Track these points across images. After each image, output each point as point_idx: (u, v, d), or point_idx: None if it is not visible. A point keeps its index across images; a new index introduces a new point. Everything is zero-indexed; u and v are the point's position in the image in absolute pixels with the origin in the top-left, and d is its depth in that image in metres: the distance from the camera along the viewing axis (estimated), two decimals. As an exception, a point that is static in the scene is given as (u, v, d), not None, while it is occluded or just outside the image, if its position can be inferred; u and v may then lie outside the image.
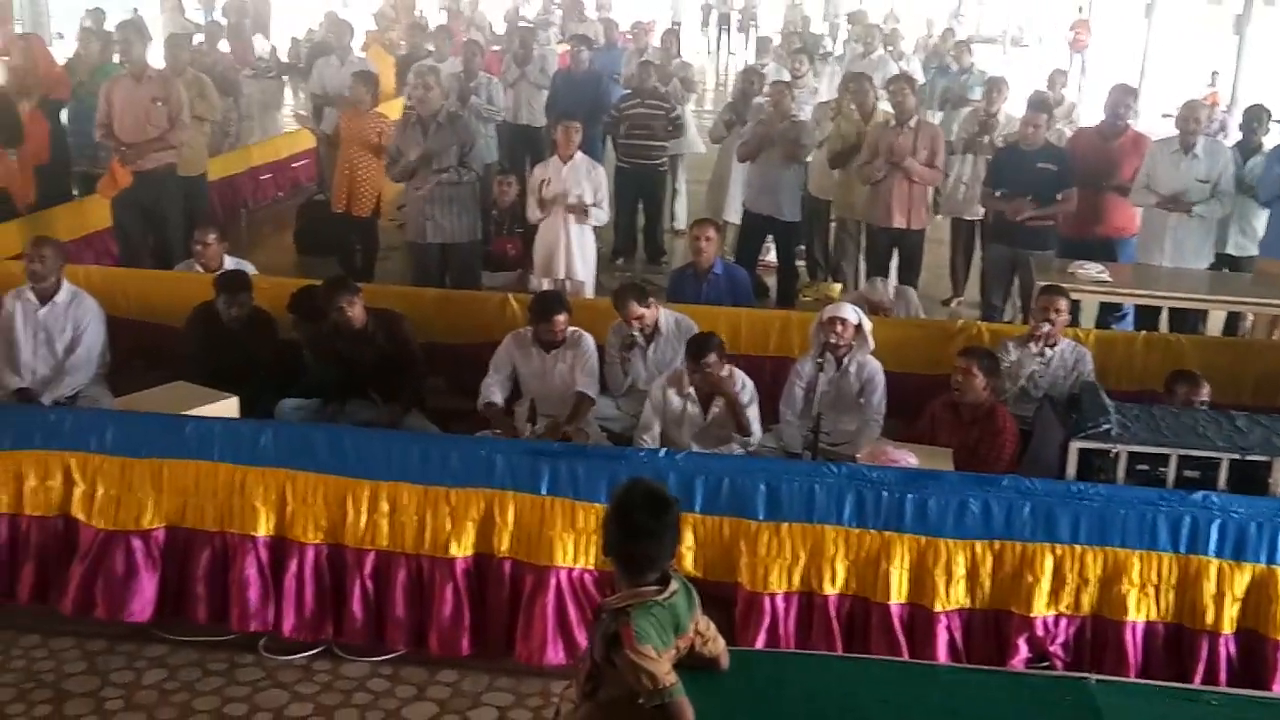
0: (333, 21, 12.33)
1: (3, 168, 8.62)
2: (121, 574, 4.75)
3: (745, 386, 5.84)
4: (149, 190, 8.21)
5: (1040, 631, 4.53)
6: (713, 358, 5.66)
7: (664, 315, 6.46)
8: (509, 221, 8.98)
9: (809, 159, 8.98)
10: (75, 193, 9.71)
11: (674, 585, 3.09)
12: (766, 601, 4.59)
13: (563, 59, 13.50)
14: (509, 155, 11.00)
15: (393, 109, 12.28)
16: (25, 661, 4.58)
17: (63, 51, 12.59)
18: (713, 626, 3.29)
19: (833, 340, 6.03)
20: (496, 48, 14.21)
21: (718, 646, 3.29)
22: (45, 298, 6.42)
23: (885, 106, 9.08)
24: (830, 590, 4.58)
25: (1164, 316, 7.90)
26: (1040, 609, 4.51)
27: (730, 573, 4.64)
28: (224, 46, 14.48)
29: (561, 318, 6.17)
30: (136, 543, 4.77)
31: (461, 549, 4.70)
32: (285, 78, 21.95)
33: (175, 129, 8.12)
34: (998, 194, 7.95)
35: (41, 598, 4.85)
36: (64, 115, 9.87)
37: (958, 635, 4.56)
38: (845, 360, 6.12)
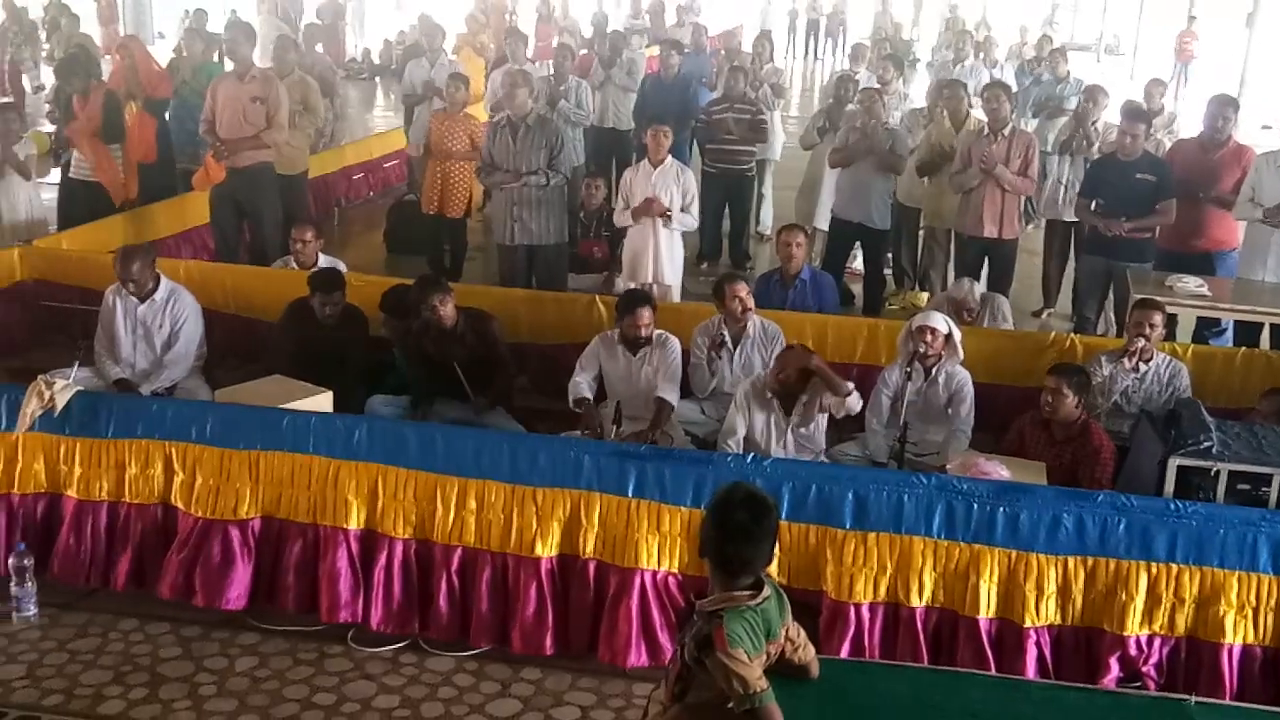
0: (425, 24, 12.51)
1: (108, 164, 8.88)
2: (218, 562, 4.85)
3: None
4: (244, 186, 8.40)
5: (1133, 651, 4.44)
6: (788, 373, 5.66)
7: (752, 318, 6.45)
8: (595, 224, 9.02)
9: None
10: (176, 188, 9.96)
11: (767, 590, 3.09)
12: (851, 611, 4.56)
13: (651, 63, 13.55)
14: (595, 158, 11.06)
15: (480, 112, 12.45)
16: (123, 645, 4.69)
17: (164, 51, 12.97)
18: (803, 634, 3.27)
19: (921, 349, 5.98)
20: (584, 51, 14.28)
21: (808, 654, 3.28)
22: (144, 296, 6.58)
23: (977, 114, 8.97)
24: (917, 602, 4.53)
25: (1265, 334, 7.68)
26: (1133, 628, 4.42)
27: (815, 581, 4.62)
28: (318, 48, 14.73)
29: (646, 312, 6.20)
30: (233, 532, 4.87)
31: (547, 549, 4.73)
32: (377, 79, 22.44)
33: (272, 128, 8.28)
34: (1094, 207, 7.80)
35: (139, 583, 4.97)
36: (167, 114, 10.14)
37: (1047, 652, 4.48)
38: (934, 370, 6.06)
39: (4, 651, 4.61)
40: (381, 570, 4.83)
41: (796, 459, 5.52)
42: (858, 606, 4.56)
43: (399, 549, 4.83)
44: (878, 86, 9.95)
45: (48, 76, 16.17)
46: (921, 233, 9.44)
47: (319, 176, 10.99)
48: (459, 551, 4.80)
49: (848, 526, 4.55)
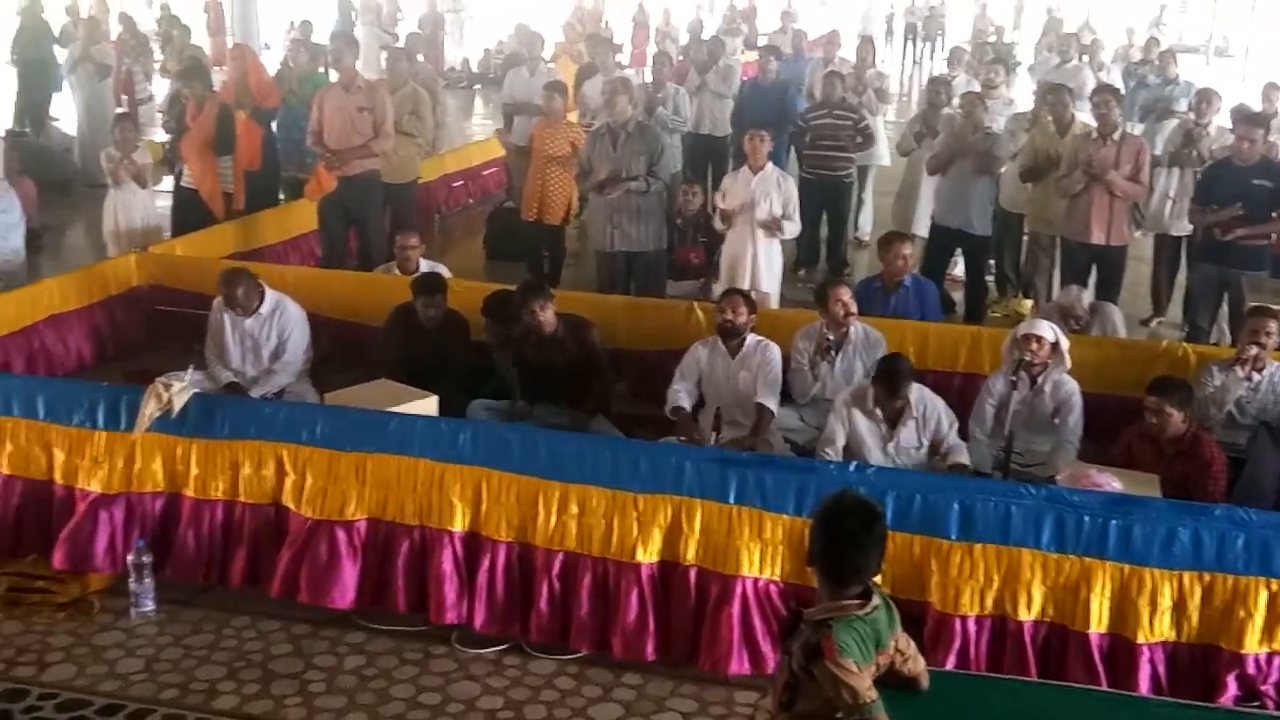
0: (524, 33, 12.65)
1: (212, 177, 9.10)
2: (326, 562, 4.94)
3: (934, 406, 5.73)
4: (353, 195, 8.57)
5: (1251, 670, 4.30)
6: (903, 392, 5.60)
7: (855, 324, 6.40)
8: (693, 230, 9.04)
9: (1001, 171, 8.76)
10: (282, 197, 10.22)
11: (876, 600, 3.06)
12: (957, 623, 4.49)
13: (747, 69, 13.54)
14: (691, 165, 11.08)
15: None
16: (236, 642, 4.81)
17: (269, 61, 13.29)
18: (913, 645, 3.24)
19: (1027, 358, 5.87)
20: (680, 58, 14.31)
21: (918, 666, 3.24)
22: (250, 313, 6.73)
23: (1083, 118, 8.79)
24: (1025, 616, 4.45)
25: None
26: (1252, 646, 4.29)
27: (920, 592, 4.55)
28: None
29: (739, 299, 6.20)
30: (340, 533, 4.96)
31: (648, 555, 4.74)
32: (476, 87, 22.75)
33: (380, 137, 8.44)
34: (1210, 209, 7.59)
35: (251, 581, 5.09)
36: (274, 123, 10.40)
37: (1161, 669, 4.36)
38: (1040, 379, 5.95)
39: (123, 646, 4.75)
40: (485, 573, 4.88)
41: (898, 468, 5.46)
42: (964, 619, 4.49)
43: (502, 552, 4.88)
44: (978, 90, 9.81)
45: (159, 87, 16.72)
46: (1025, 239, 9.27)
47: (421, 184, 11.13)
48: (560, 556, 4.83)
49: (953, 537, 4.48)
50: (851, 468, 4.76)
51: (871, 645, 3.00)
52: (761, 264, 7.89)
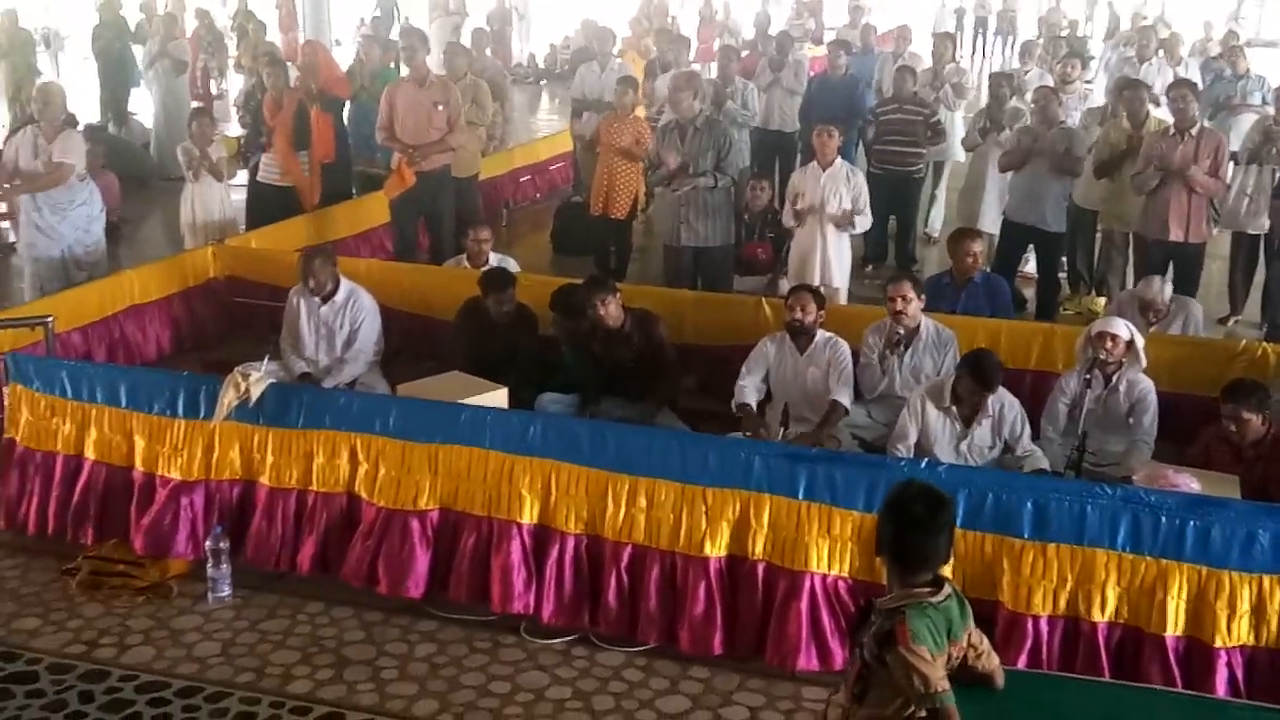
0: (593, 29, 12.68)
1: (295, 168, 9.29)
2: (398, 551, 5.02)
3: (1012, 407, 5.67)
4: (427, 189, 8.66)
5: (1333, 676, 4.21)
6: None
7: (925, 321, 6.35)
8: (760, 226, 9.02)
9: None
10: (354, 191, 10.35)
11: (947, 590, 3.05)
12: (1029, 623, 4.45)
13: (815, 63, 13.45)
14: (759, 160, 11.04)
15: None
16: (310, 627, 4.90)
17: (339, 58, 13.45)
18: (986, 641, 3.21)
19: (1102, 356, 5.79)
20: (746, 53, 14.27)
21: (991, 662, 3.21)
22: (325, 298, 6.84)
23: (1159, 113, 8.63)
24: (1099, 617, 4.39)
25: None
26: (1334, 651, 4.20)
27: (991, 591, 4.52)
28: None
29: (807, 296, 6.18)
30: (413, 522, 5.03)
31: (716, 549, 4.75)
32: (542, 83, 22.86)
33: (454, 132, 8.52)
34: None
35: (324, 568, 5.17)
36: (345, 117, 10.53)
37: (1239, 673, 4.29)
38: (1115, 377, 5.86)
39: (200, 630, 4.86)
40: (553, 564, 4.92)
41: (972, 466, 5.41)
42: (1035, 619, 4.45)
43: (570, 544, 4.92)
44: (1051, 85, 9.67)
45: (233, 82, 17.03)
46: (1099, 236, 9.12)
47: (488, 179, 11.26)
48: (629, 549, 4.85)
49: (1026, 536, 4.44)
50: (923, 464, 4.72)
51: (944, 634, 3.00)
52: (831, 259, 7.85)
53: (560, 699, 4.49)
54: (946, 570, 4.39)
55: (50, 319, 6.18)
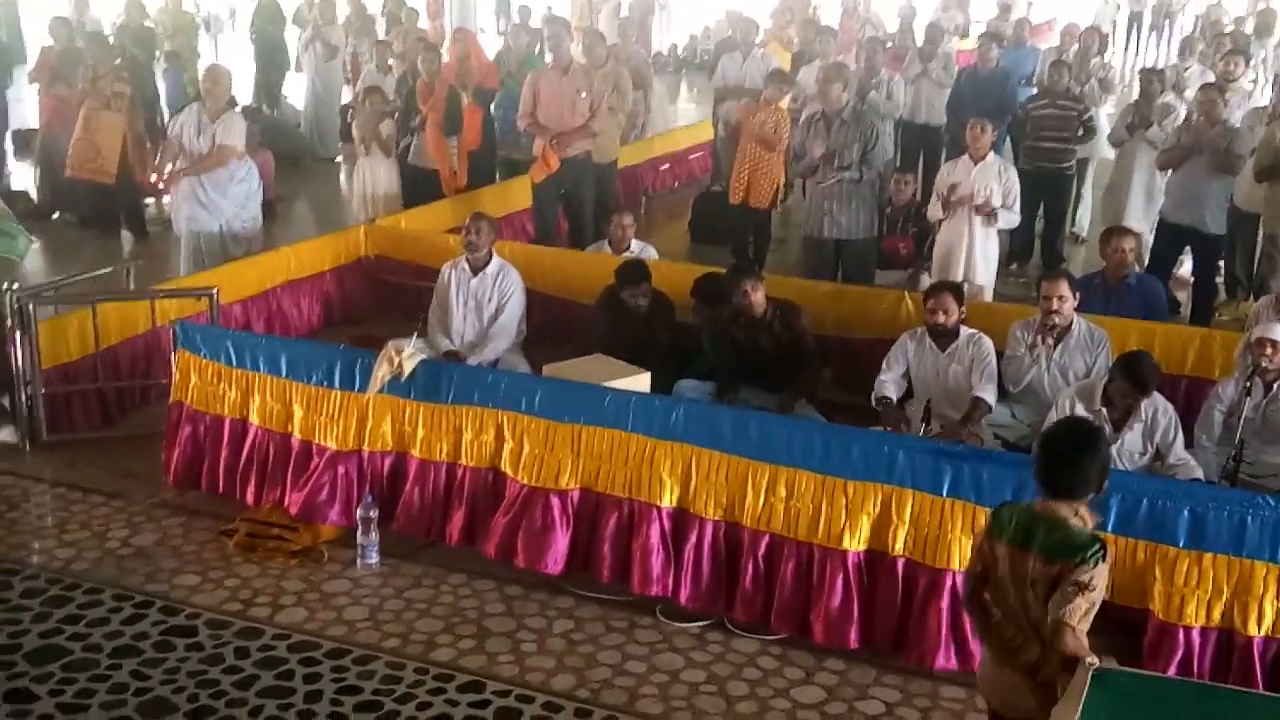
0: (737, 19, 12.67)
1: (445, 155, 9.51)
2: (539, 527, 5.11)
3: (1165, 412, 5.51)
4: (569, 175, 8.79)
5: None
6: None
7: (1077, 320, 6.20)
8: (903, 220, 8.91)
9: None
10: (497, 176, 10.55)
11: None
12: (1180, 634, 4.33)
13: (963, 56, 13.20)
14: (903, 153, 10.89)
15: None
16: (453, 598, 5.03)
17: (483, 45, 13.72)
18: (1079, 596, 3.10)
19: (1262, 363, 5.58)
20: (889, 44, 14.07)
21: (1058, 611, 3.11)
22: (477, 269, 7.00)
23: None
24: (1255, 631, 4.26)
25: None
26: None
27: (1141, 599, 4.42)
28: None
29: (949, 298, 6.10)
30: (554, 500, 5.11)
31: (855, 542, 4.72)
32: (682, 71, 22.90)
33: (596, 118, 8.62)
34: None
35: (469, 540, 5.30)
36: (493, 105, 10.73)
37: (1407, 699, 4.10)
38: (1276, 386, 5.64)
39: (349, 595, 5.03)
40: (691, 549, 4.95)
41: (1127, 470, 5.27)
42: (1187, 630, 4.33)
43: (709, 529, 4.94)
44: (1215, 82, 9.31)
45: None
46: (1260, 240, 8.76)
47: (628, 166, 11.35)
48: (766, 538, 4.86)
49: (1181, 545, 4.32)
50: (1073, 466, 4.60)
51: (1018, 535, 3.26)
52: (977, 255, 7.70)
53: (695, 682, 4.53)
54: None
55: (215, 290, 6.47)
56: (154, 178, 9.41)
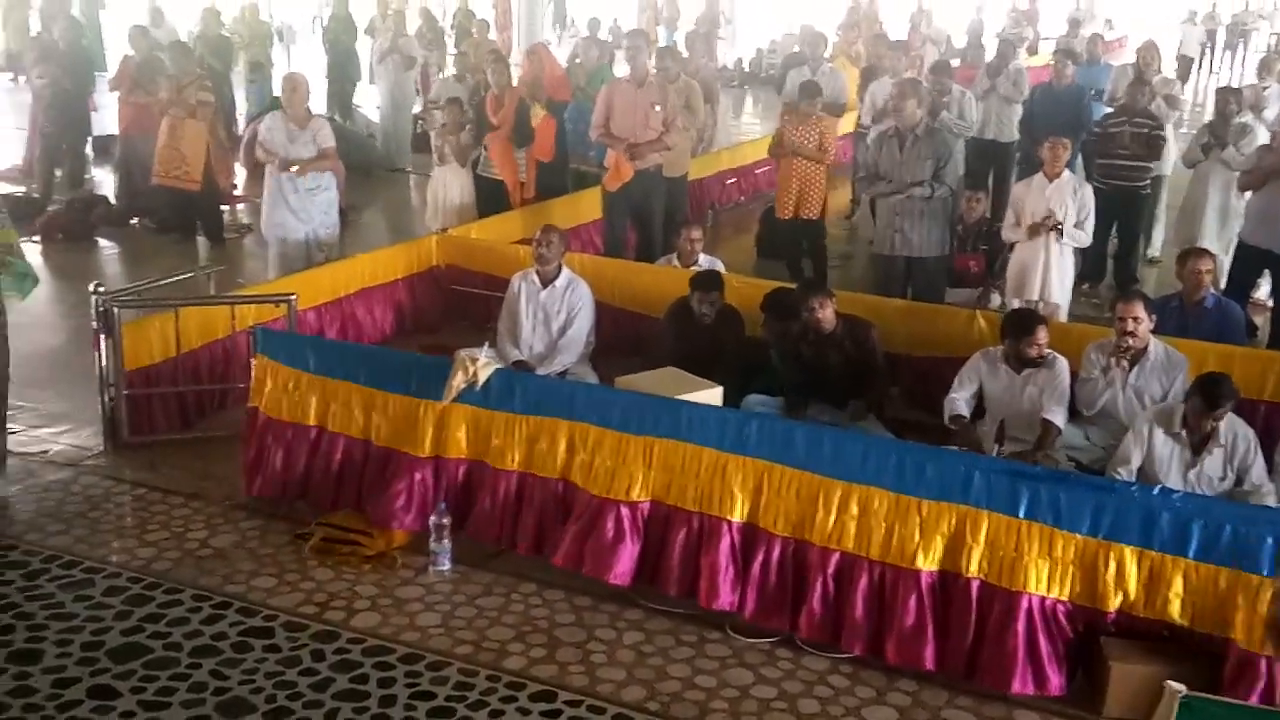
0: (808, 33, 12.66)
1: (511, 166, 9.59)
2: (609, 539, 5.11)
3: (1245, 437, 5.42)
4: (639, 188, 8.84)
5: None
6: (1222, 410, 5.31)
7: (1154, 343, 6.12)
8: (973, 238, 8.85)
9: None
10: (569, 188, 10.62)
11: None
12: (1263, 664, 4.24)
13: (1035, 73, 13.08)
14: (972, 170, 10.81)
15: (850, 121, 12.48)
16: (523, 607, 5.05)
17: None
18: None
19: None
20: (955, 61, 13.98)
21: None
22: (547, 281, 7.06)
23: None
24: (1343, 664, 4.16)
25: None
26: None
27: (1222, 627, 4.33)
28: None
29: (1043, 332, 6.03)
30: (624, 512, 5.11)
31: (928, 562, 4.68)
32: (746, 86, 22.93)
33: (670, 132, 8.66)
34: None
35: (539, 549, 5.33)
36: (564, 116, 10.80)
37: None
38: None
39: (422, 601, 5.07)
40: (759, 565, 4.93)
41: (1207, 496, 5.20)
42: (1269, 660, 4.24)
43: (778, 546, 4.92)
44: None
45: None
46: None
47: (696, 180, 11.38)
48: (837, 555, 4.83)
49: (1266, 573, 4.23)
50: (1157, 491, 4.55)
51: None
52: (1053, 274, 7.64)
53: (765, 698, 4.51)
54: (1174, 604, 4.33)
55: (294, 297, 6.58)
56: (234, 185, 9.61)
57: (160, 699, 4.35)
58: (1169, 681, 3.70)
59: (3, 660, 4.54)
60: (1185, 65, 22.53)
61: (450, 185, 9.66)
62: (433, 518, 5.30)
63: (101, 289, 6.34)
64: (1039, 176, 7.85)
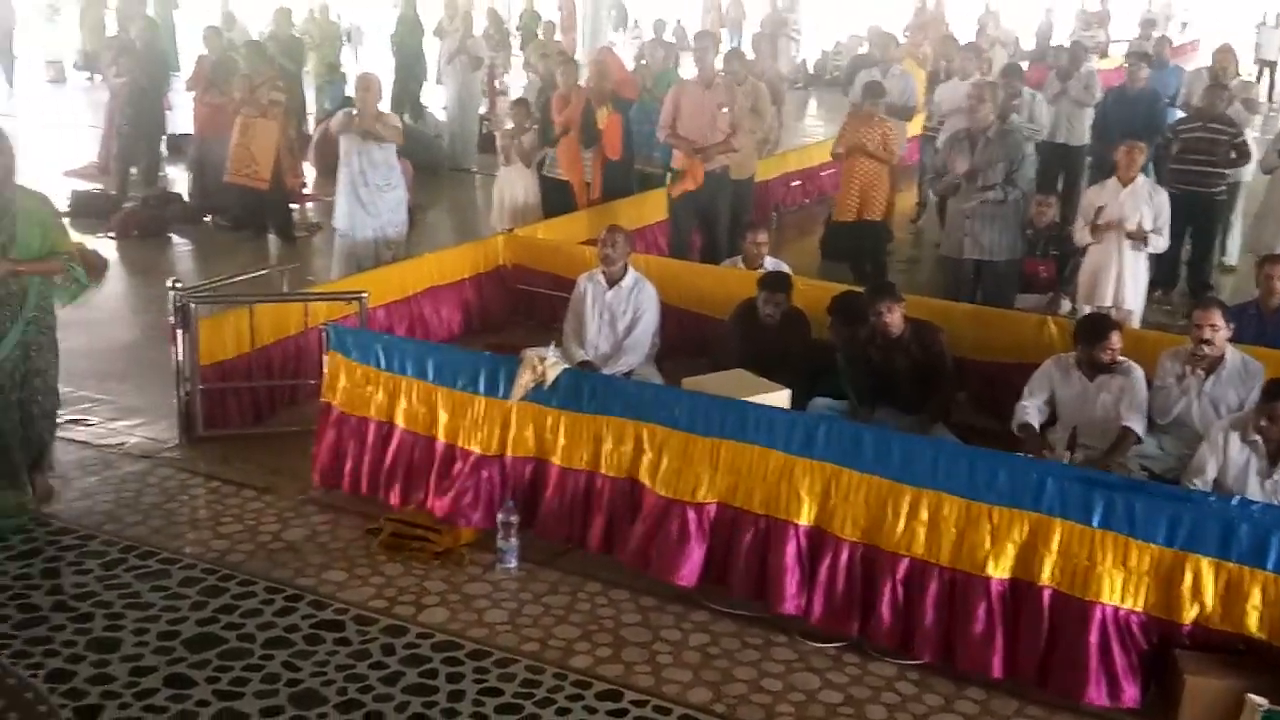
0: (878, 34, 12.59)
1: (578, 167, 9.63)
2: (675, 540, 5.11)
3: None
4: (706, 190, 8.84)
5: None
6: None
7: (1231, 351, 6.01)
8: (1043, 243, 8.74)
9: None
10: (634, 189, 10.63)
11: None
12: (1344, 681, 4.15)
13: (1105, 76, 12.90)
14: (1042, 173, 10.68)
15: (918, 124, 12.36)
16: (589, 606, 5.07)
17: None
18: None
19: None
20: (1024, 64, 13.83)
21: None
22: (613, 281, 7.08)
23: None
24: None
25: None
26: None
27: (1303, 643, 4.25)
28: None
29: (1116, 338, 5.95)
30: (690, 513, 5.11)
31: (999, 570, 4.63)
32: (810, 88, 22.82)
33: (738, 134, 8.65)
34: None
35: (606, 548, 5.35)
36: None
37: None
38: None
39: (489, 598, 5.11)
40: (827, 569, 4.91)
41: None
42: (1356, 676, 4.15)
43: (845, 550, 4.89)
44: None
45: (514, 79, 17.77)
46: None
47: (761, 182, 11.34)
48: (906, 561, 4.79)
49: (1349, 586, 4.15)
50: (1235, 502, 4.47)
51: None
52: (1126, 280, 7.52)
53: (832, 703, 4.49)
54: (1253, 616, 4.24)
55: (365, 294, 6.66)
56: (303, 184, 9.74)
57: (234, 689, 4.43)
58: (1250, 695, 3.64)
59: (82, 648, 4.64)
60: (1265, 70, 22.11)
61: (515, 186, 9.73)
62: (500, 515, 5.33)
63: (179, 285, 6.46)
64: (1113, 181, 7.73)
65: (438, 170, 13.56)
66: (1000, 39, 19.39)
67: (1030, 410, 6.12)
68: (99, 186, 12.25)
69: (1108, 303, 7.44)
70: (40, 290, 5.53)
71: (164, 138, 13.30)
